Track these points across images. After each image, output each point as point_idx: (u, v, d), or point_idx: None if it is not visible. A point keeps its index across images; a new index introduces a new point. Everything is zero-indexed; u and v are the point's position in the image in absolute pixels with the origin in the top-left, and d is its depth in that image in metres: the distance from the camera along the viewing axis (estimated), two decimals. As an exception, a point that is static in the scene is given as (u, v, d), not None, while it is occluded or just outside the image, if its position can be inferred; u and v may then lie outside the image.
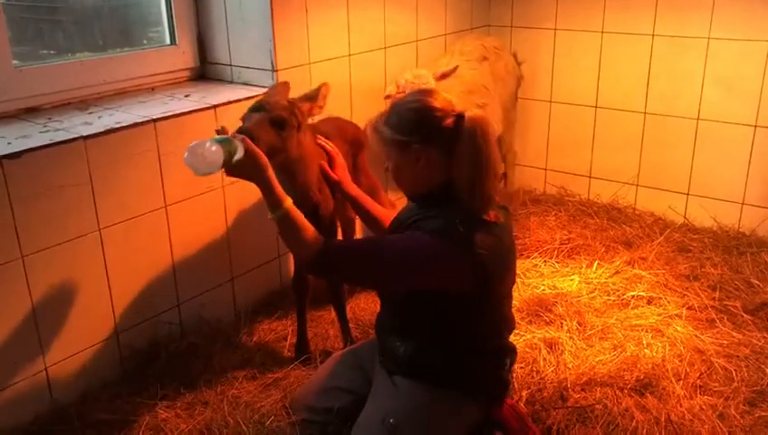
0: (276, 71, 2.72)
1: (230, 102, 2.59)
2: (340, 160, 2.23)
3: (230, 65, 2.88)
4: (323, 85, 2.19)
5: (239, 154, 1.76)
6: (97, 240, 2.26)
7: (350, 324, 2.64)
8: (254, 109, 2.05)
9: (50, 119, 2.35)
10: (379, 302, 2.14)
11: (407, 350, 1.90)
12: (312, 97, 2.17)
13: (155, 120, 2.36)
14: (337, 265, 1.84)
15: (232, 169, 1.78)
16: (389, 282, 1.86)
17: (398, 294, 1.93)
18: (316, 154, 2.23)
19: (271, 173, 1.81)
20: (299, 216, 1.81)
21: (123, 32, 2.86)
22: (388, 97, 2.92)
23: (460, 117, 1.74)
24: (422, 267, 1.75)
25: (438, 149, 1.76)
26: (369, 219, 2.17)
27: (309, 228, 1.82)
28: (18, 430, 2.14)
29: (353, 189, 2.20)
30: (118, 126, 2.27)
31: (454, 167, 1.76)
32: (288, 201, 1.81)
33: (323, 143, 2.24)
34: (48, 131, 2.21)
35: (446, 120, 1.75)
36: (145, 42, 2.87)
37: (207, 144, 1.70)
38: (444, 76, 2.91)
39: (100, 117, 2.38)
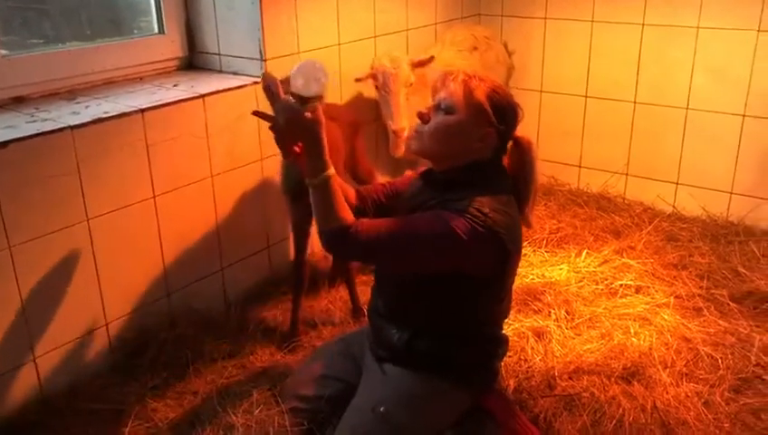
0: (265, 60, 2.71)
1: (219, 91, 2.58)
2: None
3: (219, 54, 2.86)
4: None
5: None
6: (85, 230, 2.25)
7: (342, 314, 2.68)
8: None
9: (37, 108, 2.34)
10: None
11: (402, 337, 1.90)
12: None
13: (143, 110, 2.35)
14: (360, 245, 1.76)
15: (300, 111, 1.69)
16: (414, 263, 1.80)
17: (415, 276, 1.88)
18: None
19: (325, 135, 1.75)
20: (339, 186, 1.78)
21: (111, 21, 2.84)
22: (358, 80, 2.91)
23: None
24: (450, 247, 1.70)
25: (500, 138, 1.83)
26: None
27: (344, 203, 1.78)
28: (7, 420, 2.14)
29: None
30: (105, 116, 2.26)
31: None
32: (332, 169, 1.75)
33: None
34: (35, 121, 2.20)
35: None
36: (134, 31, 2.85)
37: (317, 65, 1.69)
38: (420, 64, 2.90)
39: (87, 107, 2.37)
